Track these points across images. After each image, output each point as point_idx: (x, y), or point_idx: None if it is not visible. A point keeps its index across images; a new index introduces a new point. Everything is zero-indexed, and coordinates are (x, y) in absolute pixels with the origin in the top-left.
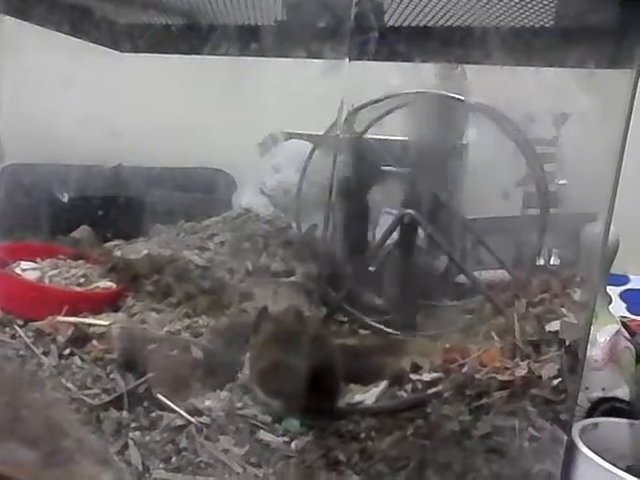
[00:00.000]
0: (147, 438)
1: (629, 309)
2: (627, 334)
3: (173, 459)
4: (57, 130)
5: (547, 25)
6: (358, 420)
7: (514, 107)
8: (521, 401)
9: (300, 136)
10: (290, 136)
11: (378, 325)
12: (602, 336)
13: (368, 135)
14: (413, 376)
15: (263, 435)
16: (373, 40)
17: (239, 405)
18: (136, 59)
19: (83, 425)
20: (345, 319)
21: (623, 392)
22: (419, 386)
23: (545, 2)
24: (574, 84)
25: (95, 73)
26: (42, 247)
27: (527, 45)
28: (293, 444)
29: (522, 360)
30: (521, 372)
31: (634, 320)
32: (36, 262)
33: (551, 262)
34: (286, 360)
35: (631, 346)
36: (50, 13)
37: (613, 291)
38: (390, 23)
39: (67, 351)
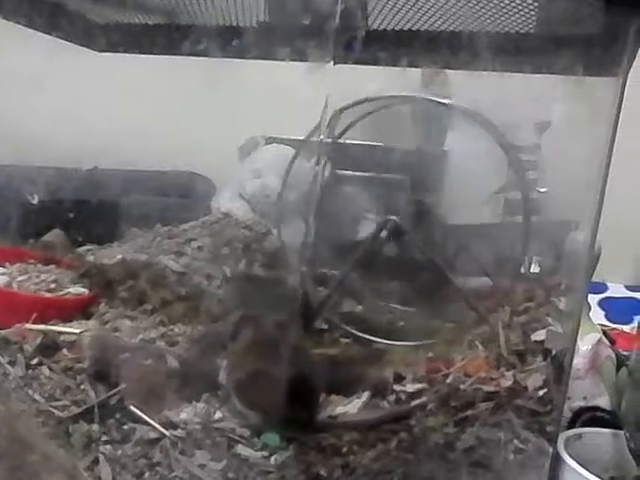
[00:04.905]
0: (119, 452)
1: (607, 317)
2: (608, 342)
3: (146, 474)
4: (29, 131)
5: (531, 32)
6: (340, 434)
7: (495, 113)
8: (506, 412)
9: (281, 140)
10: (271, 140)
11: (359, 334)
12: (584, 345)
13: (349, 140)
14: (396, 387)
15: (241, 449)
16: (359, 40)
17: (216, 418)
18: (112, 59)
19: (51, 439)
20: (326, 327)
21: (604, 401)
22: (402, 397)
23: (529, 9)
24: (558, 91)
25: (70, 73)
26: (11, 251)
27: (511, 51)
28: (272, 459)
29: (507, 370)
30: (507, 383)
31: (613, 329)
32: (4, 267)
33: (531, 270)
34: (265, 370)
35: (612, 355)
36: (20, 6)
37: (591, 299)
38: (374, 27)
39: (35, 360)
